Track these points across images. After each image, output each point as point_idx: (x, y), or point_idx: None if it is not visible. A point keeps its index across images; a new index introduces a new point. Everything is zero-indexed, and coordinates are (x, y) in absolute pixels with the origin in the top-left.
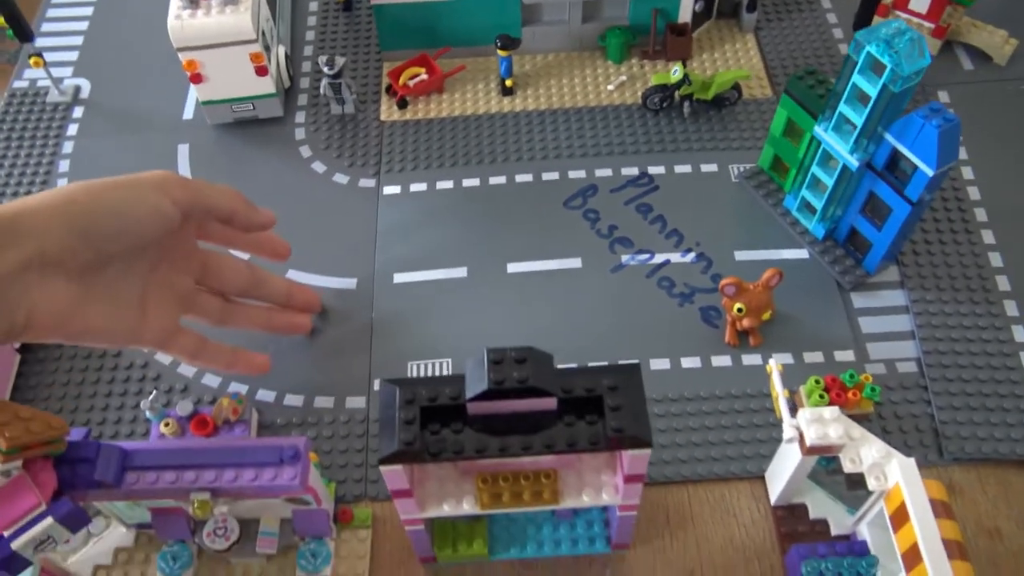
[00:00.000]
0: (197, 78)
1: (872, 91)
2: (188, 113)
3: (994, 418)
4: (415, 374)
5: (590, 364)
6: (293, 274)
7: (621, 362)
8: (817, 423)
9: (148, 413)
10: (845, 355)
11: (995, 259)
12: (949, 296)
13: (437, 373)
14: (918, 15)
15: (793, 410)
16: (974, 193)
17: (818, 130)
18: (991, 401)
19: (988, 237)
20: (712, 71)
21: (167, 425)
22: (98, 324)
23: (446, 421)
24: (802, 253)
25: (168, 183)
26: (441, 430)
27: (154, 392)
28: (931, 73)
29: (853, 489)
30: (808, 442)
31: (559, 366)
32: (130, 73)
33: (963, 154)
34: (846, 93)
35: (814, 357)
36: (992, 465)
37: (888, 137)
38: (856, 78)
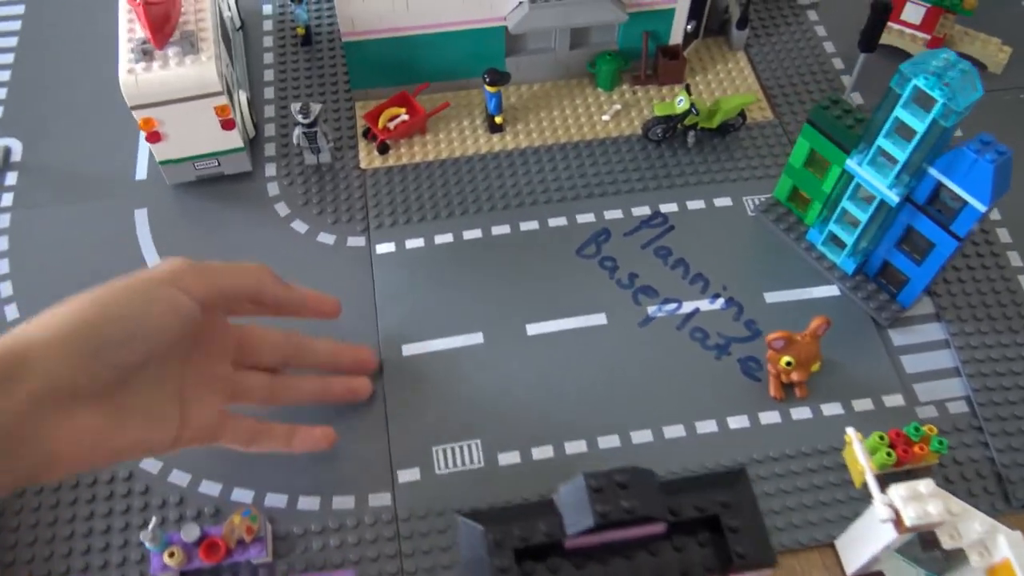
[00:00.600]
0: (155, 136)
1: (919, 126)
2: (141, 172)
3: None
4: (442, 460)
5: (690, 472)
6: None
7: (724, 468)
8: (915, 501)
9: (148, 544)
10: (894, 399)
11: None
12: (988, 326)
13: (467, 458)
14: (912, 26)
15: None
16: (994, 213)
17: (851, 164)
18: None
19: (1015, 259)
20: (707, 94)
21: (172, 555)
22: (134, 441)
23: (541, 555)
24: (832, 290)
25: (180, 275)
26: (535, 568)
27: (153, 520)
28: None
29: (928, 550)
30: (908, 523)
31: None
32: (67, 130)
33: None
34: (887, 126)
35: (863, 404)
36: None
37: (934, 172)
38: (900, 112)
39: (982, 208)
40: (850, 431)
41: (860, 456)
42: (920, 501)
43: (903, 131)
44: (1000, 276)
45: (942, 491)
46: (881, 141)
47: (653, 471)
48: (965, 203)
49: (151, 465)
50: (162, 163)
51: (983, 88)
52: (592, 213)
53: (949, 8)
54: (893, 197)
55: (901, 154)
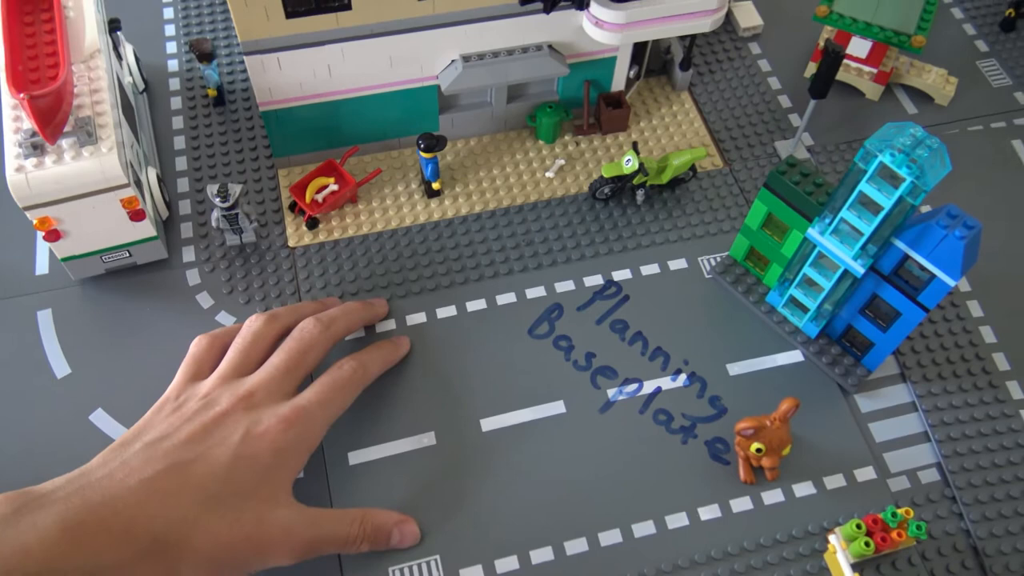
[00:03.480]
0: (53, 235)
1: (885, 201)
2: (41, 267)
3: None
4: None
5: None
6: None
7: (687, 564)
8: None
9: None
10: (865, 473)
11: (987, 334)
12: (954, 385)
13: None
14: (858, 60)
15: None
16: None
17: (813, 233)
18: (1022, 504)
19: (975, 309)
20: (654, 142)
21: None
22: None
23: None
24: (796, 355)
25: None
26: None
27: None
28: (875, 119)
29: None
30: None
31: None
32: None
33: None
34: (851, 200)
35: (835, 481)
36: None
37: (900, 245)
38: (864, 186)
39: (952, 283)
40: (832, 539)
41: (844, 567)
42: None
43: (868, 204)
44: (962, 329)
45: None
46: (845, 212)
47: None
48: (933, 275)
49: None
50: (64, 259)
51: (950, 164)
52: (543, 286)
53: (898, 46)
54: (858, 268)
55: (866, 227)
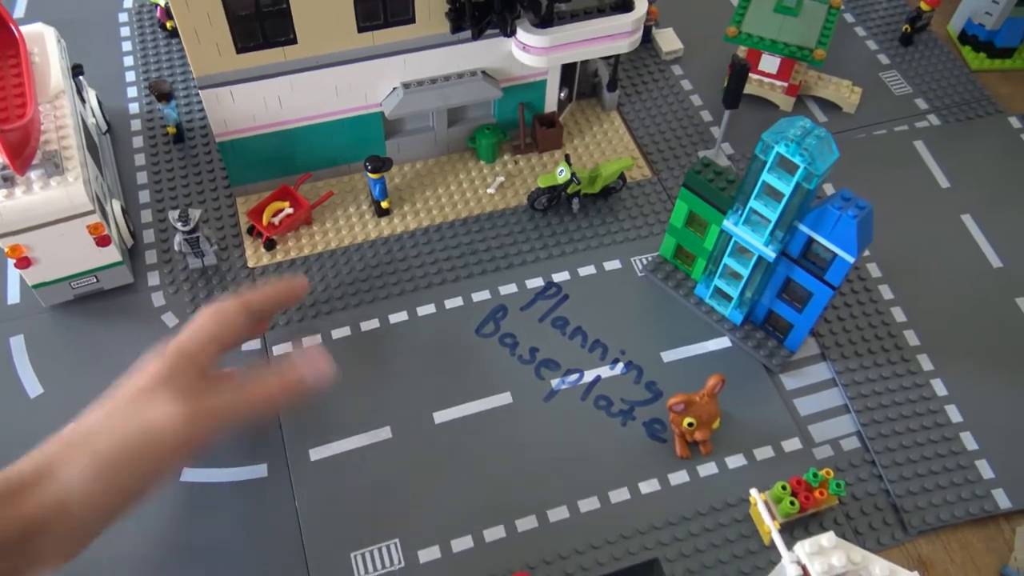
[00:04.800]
0: (24, 263)
1: (785, 188)
2: (13, 296)
3: (942, 480)
4: (361, 566)
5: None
6: (188, 472)
7: (636, 561)
8: (819, 555)
9: None
10: (792, 443)
11: (898, 314)
12: (869, 361)
13: (387, 560)
14: (769, 75)
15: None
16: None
17: (728, 224)
18: (935, 464)
19: (887, 292)
20: (586, 157)
21: None
22: None
23: None
24: (724, 342)
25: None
26: None
27: None
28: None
29: None
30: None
31: None
32: None
33: None
34: (756, 190)
35: (764, 453)
36: (951, 530)
37: (804, 228)
38: (766, 176)
39: (851, 259)
40: (753, 492)
41: (765, 517)
42: (824, 555)
43: (772, 193)
44: (875, 311)
45: (844, 542)
46: (753, 203)
47: None
48: (835, 255)
49: None
50: (35, 286)
51: (838, 151)
52: (487, 290)
53: (801, 59)
54: (769, 253)
55: (772, 214)
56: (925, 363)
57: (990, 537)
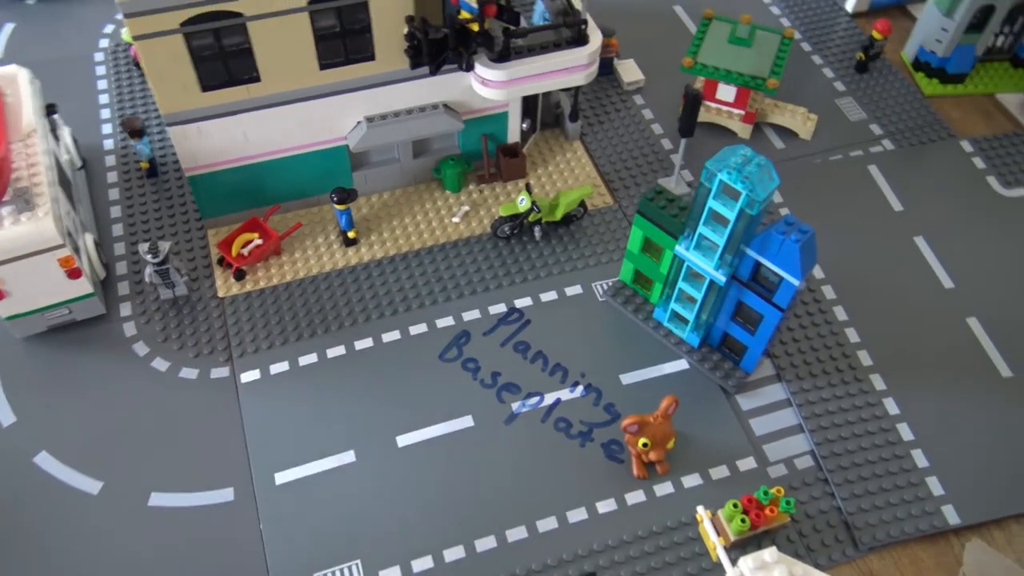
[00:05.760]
0: None
1: (730, 214)
2: None
3: (893, 498)
4: None
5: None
6: (156, 497)
7: (585, 553)
8: (762, 570)
9: None
10: (747, 463)
11: (852, 335)
12: (823, 381)
13: None
14: (727, 103)
15: (727, 547)
16: (817, 271)
17: (679, 249)
18: (886, 481)
19: (840, 314)
20: (550, 186)
21: None
22: None
23: None
24: (682, 364)
25: None
26: None
27: None
28: None
29: None
30: None
31: None
32: None
33: None
34: (704, 216)
35: (720, 472)
36: (901, 546)
37: (750, 252)
38: (712, 203)
39: (796, 282)
40: (700, 510)
41: (710, 533)
42: (767, 570)
43: (718, 218)
44: (829, 332)
45: (786, 557)
46: (702, 228)
47: None
48: (782, 278)
49: None
50: (8, 318)
51: (779, 177)
52: (451, 316)
53: (755, 88)
54: (720, 277)
55: (720, 239)
56: (878, 382)
57: (940, 553)
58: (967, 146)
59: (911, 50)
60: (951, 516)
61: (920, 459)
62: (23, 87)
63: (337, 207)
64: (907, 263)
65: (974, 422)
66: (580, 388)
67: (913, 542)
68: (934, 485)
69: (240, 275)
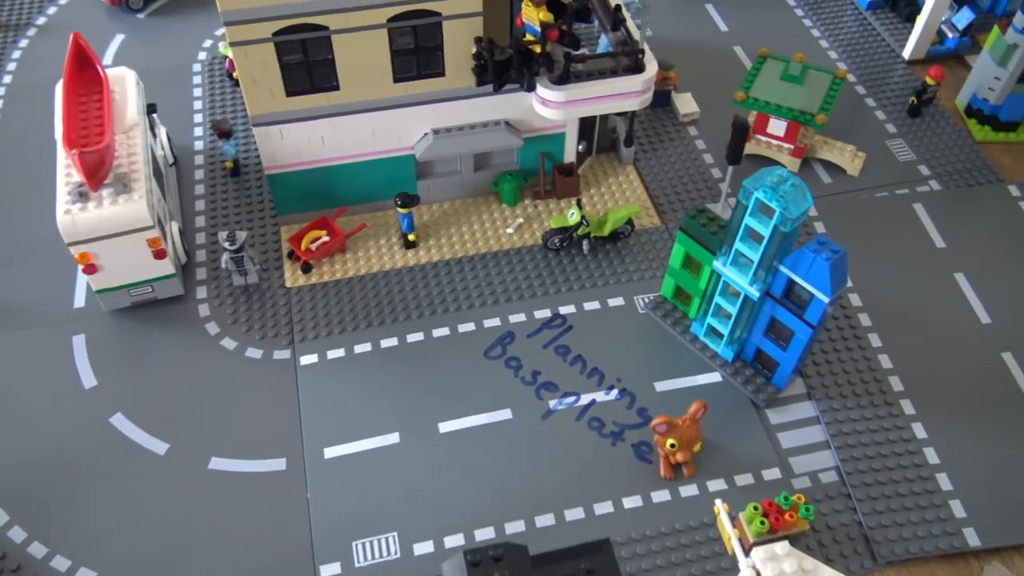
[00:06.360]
0: (91, 269)
1: (764, 231)
2: (79, 300)
3: (914, 516)
4: (361, 553)
5: (558, 548)
6: (216, 461)
7: (589, 540)
8: (772, 561)
9: None
10: (772, 473)
11: (885, 361)
12: (852, 402)
13: (384, 550)
14: (777, 138)
15: (746, 548)
16: (855, 299)
17: (717, 264)
18: (909, 500)
19: (875, 340)
20: (601, 205)
21: None
22: None
23: None
24: (715, 376)
25: None
26: None
27: None
28: None
29: None
30: None
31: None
32: (9, 265)
33: None
34: (740, 232)
35: (745, 479)
36: (920, 563)
37: (783, 269)
38: (748, 220)
39: (825, 299)
40: (718, 503)
41: (726, 526)
42: (777, 561)
43: (754, 235)
44: (863, 356)
45: (796, 551)
46: (738, 245)
47: (526, 546)
48: (813, 295)
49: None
50: (98, 292)
51: (811, 199)
52: (498, 318)
53: (804, 123)
54: (754, 292)
55: (754, 255)
56: (907, 407)
57: (958, 573)
58: (1015, 191)
59: (964, 97)
60: (972, 538)
61: (944, 482)
62: (129, 87)
63: (400, 211)
64: (945, 297)
65: (1001, 451)
66: (615, 391)
67: (932, 560)
68: (957, 508)
69: (307, 268)
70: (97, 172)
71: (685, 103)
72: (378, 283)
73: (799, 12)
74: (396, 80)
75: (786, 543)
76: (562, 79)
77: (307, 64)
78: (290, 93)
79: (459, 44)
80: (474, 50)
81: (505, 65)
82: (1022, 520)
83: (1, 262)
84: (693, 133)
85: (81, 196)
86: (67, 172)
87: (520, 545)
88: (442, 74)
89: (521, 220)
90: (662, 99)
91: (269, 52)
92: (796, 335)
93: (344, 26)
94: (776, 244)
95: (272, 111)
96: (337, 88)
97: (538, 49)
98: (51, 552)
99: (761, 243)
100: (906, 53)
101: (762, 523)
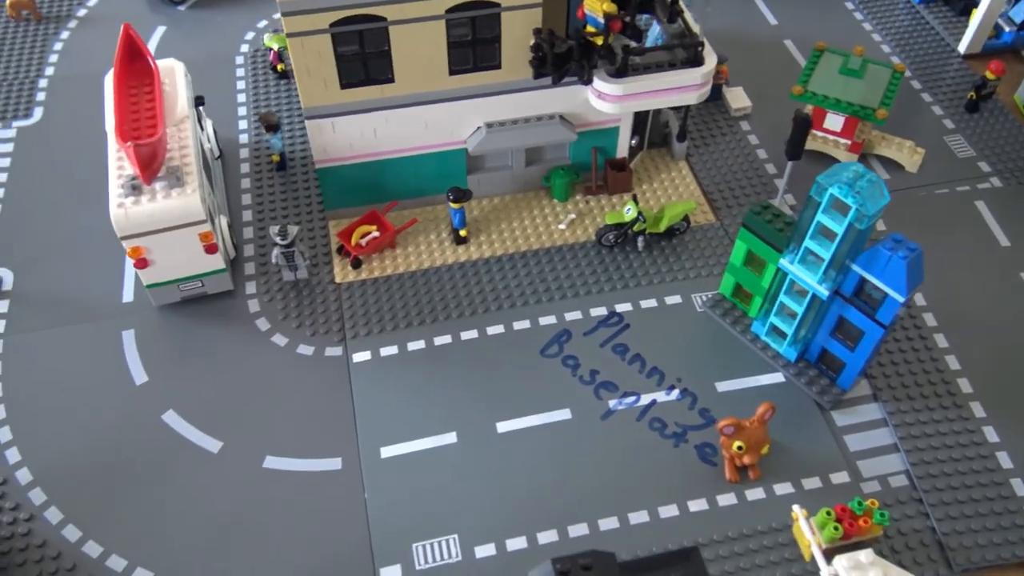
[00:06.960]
0: (142, 263)
1: (838, 228)
2: (128, 295)
3: (989, 523)
4: (421, 556)
5: (647, 553)
6: (271, 460)
7: (676, 547)
8: (857, 570)
9: None
10: (840, 476)
11: (952, 362)
12: (921, 404)
13: (445, 552)
14: (834, 133)
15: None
16: (920, 299)
17: (784, 262)
18: (983, 506)
19: (941, 341)
20: (653, 201)
21: None
22: None
23: None
24: (778, 377)
25: None
26: None
27: None
28: None
29: None
30: None
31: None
32: (57, 259)
33: None
34: (811, 229)
35: (812, 483)
36: (997, 571)
37: (856, 268)
38: (821, 216)
39: (900, 299)
40: (796, 508)
41: (806, 531)
42: (862, 570)
43: (826, 233)
44: (929, 357)
45: (881, 560)
46: (808, 242)
47: (614, 554)
48: (886, 295)
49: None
50: (149, 286)
51: (889, 195)
52: (553, 315)
53: (863, 118)
54: (823, 291)
55: (826, 253)
56: (977, 410)
57: None
58: None
59: None
60: None
61: (1019, 487)
62: (179, 79)
63: (452, 205)
64: (1012, 297)
65: None
66: (676, 392)
67: (1009, 568)
68: None
69: (357, 264)
70: (151, 165)
71: (737, 97)
72: (429, 279)
73: (850, 6)
74: (452, 73)
75: (870, 551)
76: (620, 72)
77: (363, 56)
78: (345, 85)
79: (517, 36)
80: (533, 42)
81: (565, 57)
82: None
83: (47, 256)
84: (745, 128)
85: (134, 189)
86: (119, 165)
87: (608, 553)
88: (498, 66)
89: (573, 216)
90: (713, 93)
91: (325, 43)
92: (866, 335)
93: (401, 17)
94: (850, 242)
95: (326, 103)
96: (392, 80)
97: (599, 41)
98: (106, 551)
99: (834, 241)
100: (962, 47)
101: (836, 529)
